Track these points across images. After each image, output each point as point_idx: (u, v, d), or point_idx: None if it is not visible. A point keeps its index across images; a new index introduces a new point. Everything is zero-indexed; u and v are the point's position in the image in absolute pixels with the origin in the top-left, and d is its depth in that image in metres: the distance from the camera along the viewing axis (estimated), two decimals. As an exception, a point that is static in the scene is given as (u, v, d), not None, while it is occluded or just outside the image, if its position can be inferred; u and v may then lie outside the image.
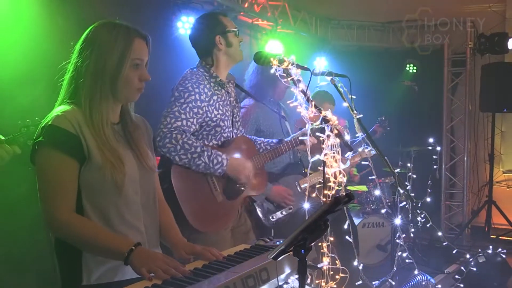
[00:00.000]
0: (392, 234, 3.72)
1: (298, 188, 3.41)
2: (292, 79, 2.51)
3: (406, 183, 5.41)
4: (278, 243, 1.96)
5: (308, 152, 2.53)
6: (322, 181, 2.50)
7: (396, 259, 3.63)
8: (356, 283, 3.42)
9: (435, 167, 6.23)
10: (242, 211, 2.94)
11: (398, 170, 4.23)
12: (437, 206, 6.81)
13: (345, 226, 2.91)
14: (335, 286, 2.50)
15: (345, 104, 2.78)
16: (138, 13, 4.13)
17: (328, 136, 2.40)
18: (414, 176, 5.64)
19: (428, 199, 5.80)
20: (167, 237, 1.98)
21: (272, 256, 1.45)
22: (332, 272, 2.48)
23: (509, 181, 6.86)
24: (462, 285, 4.09)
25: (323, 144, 2.43)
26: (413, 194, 4.94)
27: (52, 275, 1.80)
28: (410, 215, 5.11)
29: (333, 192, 2.45)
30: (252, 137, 3.13)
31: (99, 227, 1.72)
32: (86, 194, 1.73)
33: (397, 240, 3.57)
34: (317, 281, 2.40)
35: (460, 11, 6.55)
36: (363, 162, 4.08)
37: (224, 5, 5.06)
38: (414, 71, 6.97)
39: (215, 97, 2.66)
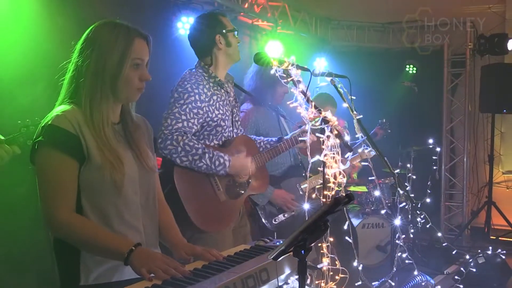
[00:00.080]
0: (391, 234, 3.73)
1: (300, 191, 3.42)
2: (292, 80, 2.52)
3: (405, 184, 5.42)
4: (278, 243, 1.96)
5: (308, 153, 2.53)
6: (322, 181, 2.51)
7: (396, 259, 3.63)
8: (356, 284, 3.42)
9: (434, 168, 6.23)
10: (244, 212, 2.94)
11: (398, 170, 4.23)
12: (437, 206, 6.81)
13: (345, 227, 2.91)
14: (334, 286, 2.51)
15: (345, 105, 2.78)
16: (138, 13, 4.13)
17: (328, 136, 2.40)
18: (414, 177, 5.66)
19: (428, 200, 5.82)
20: (167, 237, 1.98)
21: (272, 257, 1.45)
22: (331, 273, 2.48)
23: (509, 182, 6.87)
24: (461, 286, 4.09)
25: (323, 145, 2.43)
26: (412, 195, 4.95)
27: (52, 275, 1.80)
28: (409, 216, 5.11)
29: (333, 192, 2.45)
30: (252, 136, 3.14)
31: (99, 227, 1.72)
32: (86, 194, 1.73)
33: (397, 241, 3.58)
34: (317, 282, 2.40)
35: (460, 12, 6.55)
36: (363, 163, 4.08)
37: (224, 5, 5.06)
38: (414, 71, 6.97)
39: (215, 97, 2.67)
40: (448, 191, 7.16)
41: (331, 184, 2.46)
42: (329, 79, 2.75)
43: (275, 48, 5.37)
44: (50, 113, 1.74)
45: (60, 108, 1.75)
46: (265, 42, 5.61)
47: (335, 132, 2.40)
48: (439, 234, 4.97)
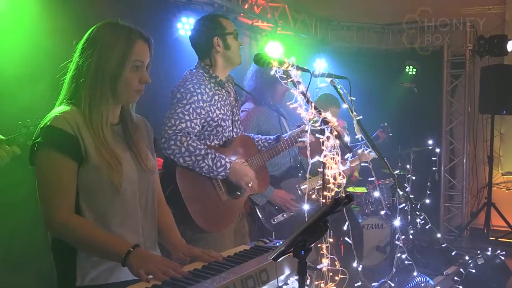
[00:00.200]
0: (391, 235, 3.73)
1: (299, 192, 3.42)
2: (292, 81, 2.52)
3: (405, 184, 5.42)
4: (277, 244, 1.97)
5: (308, 153, 2.53)
6: (321, 182, 2.51)
7: (395, 260, 3.63)
8: (356, 285, 3.43)
9: (434, 168, 6.23)
10: (243, 212, 2.95)
11: (397, 171, 4.23)
12: (436, 207, 6.81)
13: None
14: (334, 287, 2.51)
15: (345, 106, 2.79)
16: (138, 14, 4.13)
17: (328, 137, 2.40)
18: (413, 177, 5.65)
19: (427, 201, 5.81)
20: (166, 238, 1.98)
21: (272, 257, 1.45)
22: (331, 273, 2.49)
23: (508, 183, 6.87)
24: (461, 287, 4.08)
25: (322, 145, 2.43)
26: (412, 196, 4.95)
27: (51, 275, 1.80)
28: (409, 217, 5.12)
29: (333, 193, 2.45)
30: (251, 134, 3.14)
31: (98, 227, 1.72)
32: (84, 195, 1.73)
33: (396, 242, 3.58)
34: (316, 282, 2.40)
35: (459, 13, 6.56)
36: (362, 164, 4.08)
37: (224, 6, 5.07)
38: (414, 72, 6.98)
39: (216, 97, 2.68)
40: (448, 192, 7.16)
41: (330, 185, 2.47)
42: (329, 80, 2.75)
43: (275, 49, 5.38)
44: (49, 114, 1.74)
45: (59, 109, 1.75)
46: (265, 43, 5.62)
47: (335, 133, 2.41)
48: (439, 235, 4.98)
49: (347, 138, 2.50)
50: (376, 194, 5.26)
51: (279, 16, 5.88)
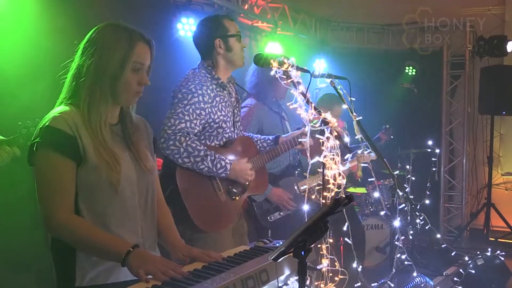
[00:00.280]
0: (391, 236, 3.74)
1: (297, 190, 3.42)
2: (292, 81, 2.52)
3: (405, 185, 5.43)
4: (277, 244, 1.97)
5: (308, 154, 2.53)
6: (321, 183, 2.51)
7: (395, 261, 3.64)
8: (355, 285, 3.43)
9: (434, 169, 6.23)
10: (242, 212, 2.95)
11: (397, 172, 4.24)
12: (436, 208, 6.81)
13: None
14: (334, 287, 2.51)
15: (345, 106, 2.79)
16: (138, 14, 4.13)
17: (328, 138, 2.41)
18: (413, 178, 5.66)
19: (427, 201, 5.82)
20: (165, 238, 1.98)
21: (272, 258, 1.45)
22: (331, 274, 2.49)
23: (508, 183, 6.87)
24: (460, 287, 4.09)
25: (322, 146, 2.43)
26: (412, 196, 4.96)
27: (50, 275, 1.80)
28: (409, 217, 5.12)
29: (332, 194, 2.46)
30: (249, 134, 3.14)
31: (97, 228, 1.72)
32: (83, 195, 1.73)
33: (396, 242, 3.59)
34: (316, 283, 2.40)
35: (459, 14, 6.56)
36: (362, 164, 4.08)
37: (224, 6, 5.07)
38: (413, 73, 6.98)
39: (217, 99, 2.67)
40: (447, 193, 7.16)
41: (330, 186, 2.47)
42: (328, 80, 2.75)
43: (275, 49, 5.38)
44: (48, 115, 1.74)
45: (57, 109, 1.75)
46: (265, 43, 5.62)
47: (335, 133, 2.41)
48: (438, 236, 4.99)
49: (347, 139, 2.50)
50: (376, 194, 5.26)
51: (279, 17, 5.89)
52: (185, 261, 1.85)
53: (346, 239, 2.85)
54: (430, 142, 6.07)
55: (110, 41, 1.76)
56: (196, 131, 2.58)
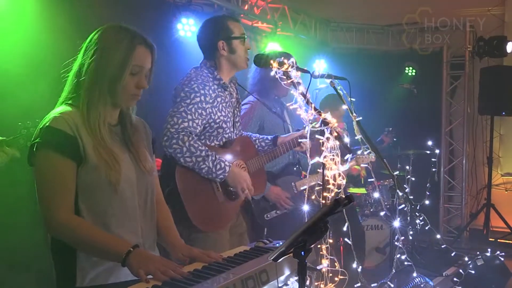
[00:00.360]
0: (391, 236, 3.74)
1: (294, 190, 3.42)
2: (292, 82, 2.52)
3: (405, 185, 5.43)
4: (277, 244, 1.97)
5: (308, 154, 2.54)
6: (320, 183, 2.52)
7: (395, 261, 3.64)
8: (355, 286, 3.43)
9: (433, 170, 6.24)
10: (240, 211, 2.95)
11: (397, 172, 4.23)
12: (436, 208, 6.81)
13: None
14: (334, 288, 2.51)
15: (345, 107, 2.79)
16: (138, 15, 4.13)
17: (328, 138, 2.41)
18: (413, 178, 5.67)
19: (427, 202, 5.83)
20: (165, 238, 1.98)
21: (272, 258, 1.45)
22: (331, 274, 2.49)
23: (508, 184, 6.87)
24: (460, 288, 4.10)
25: (322, 146, 2.44)
26: (411, 197, 4.96)
27: (50, 275, 1.80)
28: (408, 218, 5.13)
29: (333, 194, 2.46)
30: (248, 133, 3.14)
31: (97, 228, 1.72)
32: (83, 196, 1.73)
33: (396, 243, 3.59)
34: (316, 283, 2.40)
35: (459, 15, 6.56)
36: (362, 165, 4.08)
37: (224, 7, 5.07)
38: (413, 74, 6.98)
39: (219, 99, 2.67)
40: (447, 193, 7.16)
41: (330, 186, 2.47)
42: (328, 81, 2.75)
43: (273, 49, 5.38)
44: (48, 115, 1.75)
45: (58, 110, 1.76)
46: (264, 44, 5.63)
47: (335, 134, 2.41)
48: (438, 236, 4.99)
49: (347, 139, 2.50)
50: (376, 195, 5.26)
51: (278, 17, 5.89)
52: (185, 261, 1.85)
53: (346, 239, 2.85)
54: (430, 143, 6.07)
55: (112, 42, 1.76)
56: (197, 131, 2.58)
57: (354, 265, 3.11)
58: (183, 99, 2.56)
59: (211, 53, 2.74)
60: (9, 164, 2.45)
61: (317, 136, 2.46)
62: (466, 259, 4.44)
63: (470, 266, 4.19)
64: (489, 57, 6.55)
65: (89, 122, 1.74)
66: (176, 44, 4.59)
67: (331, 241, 2.50)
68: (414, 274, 3.65)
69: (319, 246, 2.48)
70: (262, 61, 2.63)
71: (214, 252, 1.86)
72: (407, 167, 5.69)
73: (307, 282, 1.97)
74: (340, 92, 2.76)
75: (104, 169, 1.72)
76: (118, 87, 1.76)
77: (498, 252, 4.44)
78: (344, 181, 2.49)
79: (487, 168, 6.47)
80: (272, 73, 2.56)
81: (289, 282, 1.80)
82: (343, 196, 1.46)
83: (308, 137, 2.60)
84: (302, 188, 3.42)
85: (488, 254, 4.39)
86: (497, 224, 6.29)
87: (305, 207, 2.65)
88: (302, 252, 1.44)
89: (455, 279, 4.15)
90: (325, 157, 2.43)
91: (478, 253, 4.43)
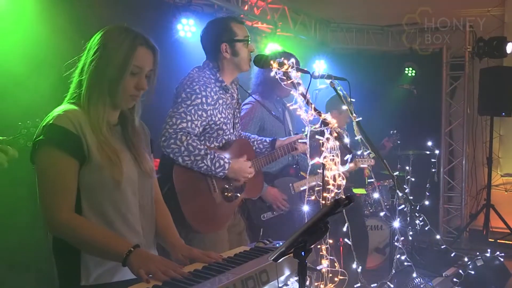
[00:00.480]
0: (390, 237, 3.74)
1: (292, 191, 3.42)
2: (292, 82, 2.52)
3: (404, 186, 5.43)
4: (277, 245, 1.97)
5: (308, 155, 2.54)
6: (320, 183, 2.52)
7: (395, 262, 3.64)
8: (355, 286, 3.43)
9: (433, 170, 6.24)
10: (237, 211, 2.95)
11: (396, 173, 4.24)
12: (436, 209, 6.82)
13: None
14: (333, 288, 2.52)
15: (345, 107, 2.79)
16: (138, 15, 4.13)
17: (328, 139, 2.41)
18: (413, 179, 5.67)
19: (427, 202, 5.83)
20: (165, 239, 1.98)
21: (272, 258, 1.45)
22: (331, 275, 2.49)
23: (507, 184, 6.87)
24: (460, 288, 4.10)
25: (322, 147, 2.44)
26: (411, 197, 4.96)
27: (51, 275, 1.80)
28: (408, 218, 5.13)
29: (332, 194, 2.46)
30: (246, 134, 3.13)
31: (98, 227, 1.73)
32: (86, 195, 1.74)
33: (396, 243, 3.59)
34: (316, 283, 2.40)
35: (459, 15, 6.57)
36: (362, 165, 4.08)
37: (224, 7, 5.07)
38: (413, 74, 6.98)
39: (220, 101, 2.66)
40: (447, 194, 7.17)
41: (330, 186, 2.47)
42: (328, 81, 2.76)
43: (274, 49, 5.38)
44: (51, 113, 1.75)
45: (61, 108, 1.76)
46: (264, 44, 5.62)
47: (335, 134, 2.41)
48: (438, 237, 4.99)
49: (346, 140, 2.50)
50: (376, 195, 5.27)
51: (278, 18, 5.89)
52: (186, 262, 1.85)
53: (346, 239, 2.85)
54: (429, 143, 6.08)
55: (113, 42, 1.77)
56: (196, 131, 2.58)
57: (354, 266, 3.11)
58: (183, 100, 2.55)
59: (214, 55, 2.73)
60: (10, 164, 2.44)
61: (317, 136, 2.46)
62: (466, 259, 4.44)
63: (470, 266, 4.19)
64: (488, 58, 6.56)
65: (91, 120, 1.74)
66: (176, 45, 4.58)
67: (331, 241, 2.50)
68: (414, 275, 3.65)
69: (319, 246, 2.48)
70: (261, 61, 2.63)
71: (214, 252, 1.86)
72: (407, 168, 5.70)
73: (307, 282, 1.97)
74: (340, 92, 2.76)
75: (108, 167, 1.73)
76: (118, 87, 1.76)
77: (498, 253, 4.44)
78: (344, 182, 2.49)
79: (487, 169, 6.47)
80: (272, 74, 2.56)
81: (289, 282, 1.80)
82: (343, 196, 1.46)
83: (308, 138, 2.60)
84: (300, 189, 3.42)
85: (488, 254, 4.39)
86: (496, 224, 6.29)
87: (305, 207, 2.65)
88: (303, 252, 1.44)
89: (454, 279, 4.15)
90: (325, 157, 2.43)
91: (477, 253, 4.43)
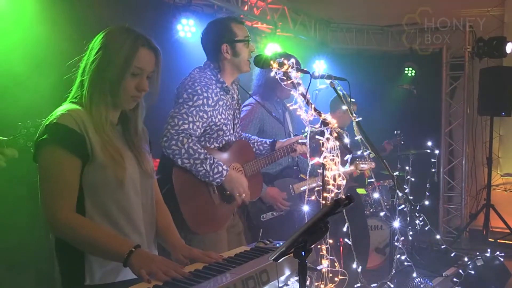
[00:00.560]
0: (390, 237, 3.74)
1: (292, 192, 3.42)
2: (292, 82, 2.52)
3: (404, 186, 5.43)
4: (278, 245, 1.97)
5: (308, 156, 2.54)
6: (320, 183, 2.51)
7: (395, 262, 3.64)
8: (355, 286, 3.43)
9: (433, 170, 6.25)
10: (236, 211, 2.95)
11: (396, 173, 4.24)
12: (436, 209, 6.82)
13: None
14: (334, 288, 2.52)
15: (344, 107, 2.79)
16: (138, 15, 4.13)
17: (328, 139, 2.41)
18: (413, 179, 5.67)
19: (427, 202, 5.84)
20: (166, 239, 1.99)
21: (273, 258, 1.45)
22: (331, 275, 2.49)
23: (507, 184, 6.88)
24: (460, 288, 4.10)
25: (322, 147, 2.44)
26: (411, 197, 4.97)
27: (51, 275, 1.80)
28: (408, 218, 5.13)
29: (332, 194, 2.46)
30: (247, 135, 3.13)
31: (100, 227, 1.73)
32: (89, 194, 1.74)
33: (396, 243, 3.59)
34: (316, 283, 2.40)
35: (459, 15, 6.57)
36: (362, 166, 4.08)
37: (224, 7, 5.07)
38: (413, 74, 6.99)
39: (220, 102, 2.66)
40: (447, 194, 7.17)
41: (330, 186, 2.47)
42: (328, 81, 2.75)
43: (275, 50, 5.38)
44: (54, 112, 1.75)
45: (64, 107, 1.77)
46: (264, 44, 5.62)
47: (335, 134, 2.41)
48: (438, 237, 4.98)
49: (346, 140, 2.50)
50: (376, 195, 5.27)
51: (278, 18, 5.89)
52: (186, 262, 1.85)
53: (346, 239, 2.85)
54: (429, 143, 6.08)
55: (115, 43, 1.77)
56: (198, 133, 2.57)
57: (354, 266, 3.11)
58: (185, 100, 2.55)
59: (214, 56, 2.73)
60: (10, 163, 2.44)
61: (317, 136, 2.46)
62: (466, 259, 4.44)
63: (470, 266, 4.19)
64: (488, 58, 6.56)
65: (94, 119, 1.75)
66: (176, 45, 4.59)
67: (331, 241, 2.50)
68: (414, 275, 3.65)
69: (319, 246, 2.48)
70: (261, 62, 2.63)
71: (214, 252, 1.86)
72: (407, 168, 5.70)
73: (307, 282, 1.97)
74: (340, 92, 2.76)
75: (111, 167, 1.73)
76: (118, 87, 1.76)
77: (498, 253, 4.45)
78: (344, 182, 2.49)
79: (487, 169, 6.48)
80: (272, 74, 2.56)
81: (289, 282, 1.80)
82: (343, 197, 1.46)
83: (308, 137, 2.60)
84: (300, 191, 3.42)
85: (488, 254, 4.39)
86: (496, 224, 6.30)
87: (305, 208, 2.65)
88: (303, 252, 1.44)
89: (454, 279, 4.15)
90: (325, 157, 2.43)
91: (477, 253, 4.43)
